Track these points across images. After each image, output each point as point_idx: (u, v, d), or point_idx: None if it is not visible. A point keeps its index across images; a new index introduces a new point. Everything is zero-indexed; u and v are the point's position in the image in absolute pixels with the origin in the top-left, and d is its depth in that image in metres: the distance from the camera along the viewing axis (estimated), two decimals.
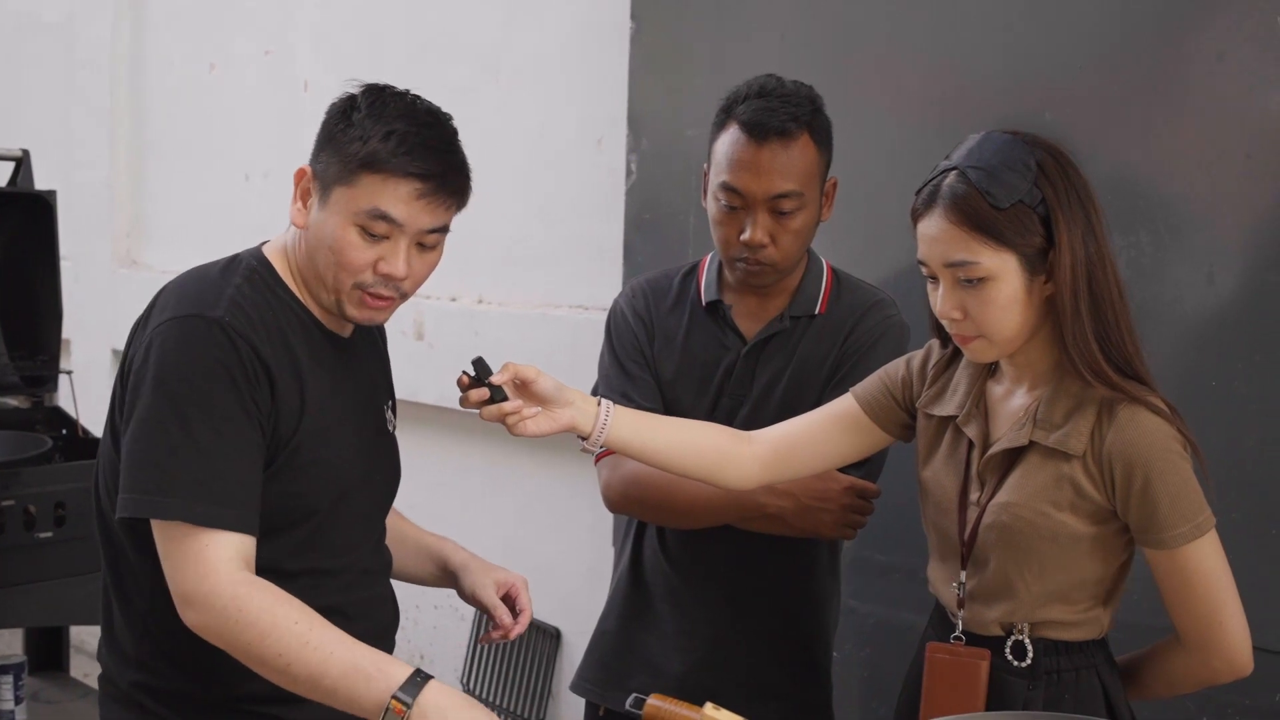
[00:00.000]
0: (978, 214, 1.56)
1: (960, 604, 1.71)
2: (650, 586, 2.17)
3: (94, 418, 3.68)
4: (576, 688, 2.26)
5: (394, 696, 1.49)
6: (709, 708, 1.45)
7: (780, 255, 2.00)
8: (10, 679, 2.87)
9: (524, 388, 1.72)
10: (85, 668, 3.98)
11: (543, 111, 3.33)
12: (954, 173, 1.59)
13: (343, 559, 1.74)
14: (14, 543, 2.72)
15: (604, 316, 3.18)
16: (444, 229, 1.68)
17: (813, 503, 1.97)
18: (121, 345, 5.01)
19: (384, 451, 1.85)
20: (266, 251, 1.75)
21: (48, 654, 3.32)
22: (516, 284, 3.40)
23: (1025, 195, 1.56)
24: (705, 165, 2.08)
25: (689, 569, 2.12)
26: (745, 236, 1.98)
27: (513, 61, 3.43)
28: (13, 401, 3.35)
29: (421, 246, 1.67)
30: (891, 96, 2.55)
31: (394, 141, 1.60)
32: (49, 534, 2.78)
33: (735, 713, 1.61)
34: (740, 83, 2.03)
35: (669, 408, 2.09)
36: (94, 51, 4.84)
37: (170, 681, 1.69)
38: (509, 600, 1.92)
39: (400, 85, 1.62)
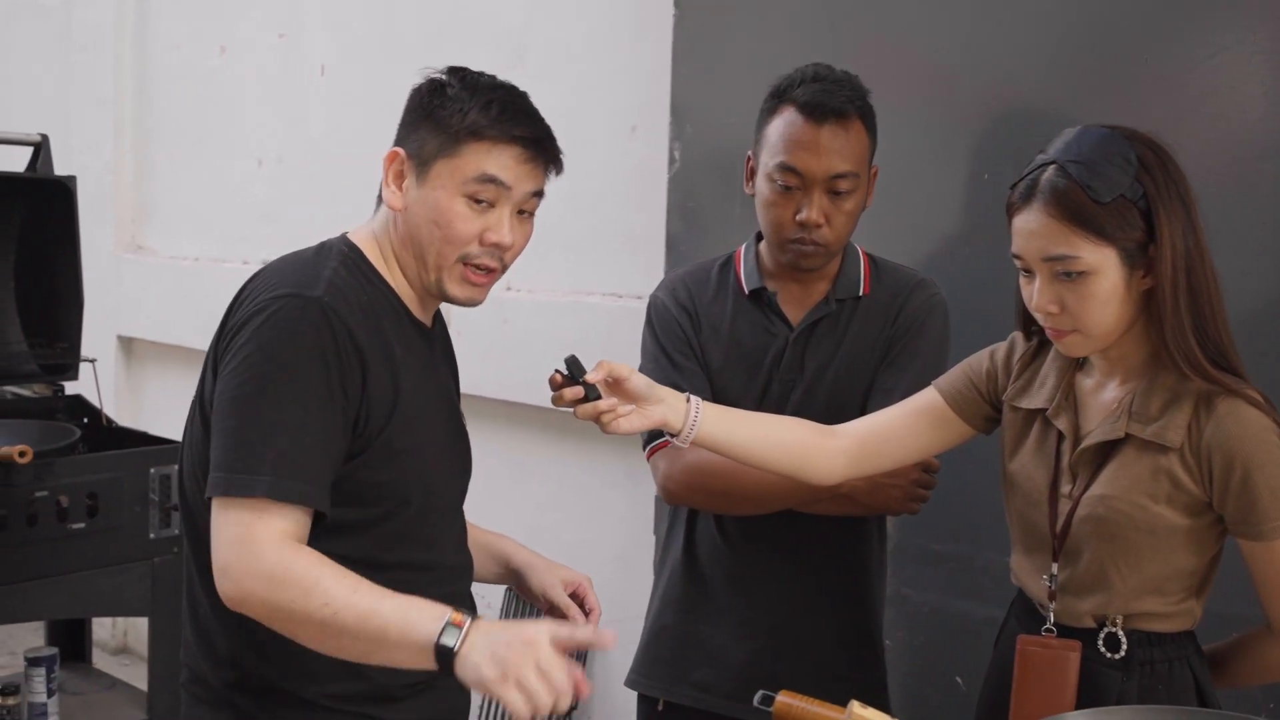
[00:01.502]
0: (1079, 208, 1.56)
1: (1051, 596, 1.72)
2: (708, 578, 2.18)
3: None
4: (634, 684, 2.26)
5: (454, 610, 1.45)
6: (855, 706, 1.43)
7: (834, 236, 2.03)
8: (43, 671, 2.85)
9: (616, 385, 1.72)
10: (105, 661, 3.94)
11: (572, 99, 3.30)
12: (1053, 167, 1.59)
13: (432, 554, 1.73)
14: (46, 534, 2.70)
15: (638, 304, 3.21)
16: (541, 194, 1.72)
17: (883, 479, 1.99)
18: (125, 331, 4.97)
19: (461, 446, 1.86)
20: (354, 238, 1.75)
21: (70, 645, 3.29)
22: (546, 271, 3.37)
23: (1127, 189, 1.56)
24: (750, 151, 2.11)
25: (752, 556, 2.13)
26: (802, 216, 2.01)
27: (538, 48, 3.40)
28: (20, 390, 3.29)
29: (521, 214, 1.71)
30: (940, 86, 2.55)
31: (495, 109, 1.65)
32: (81, 525, 2.75)
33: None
34: (786, 71, 2.06)
35: (718, 397, 2.09)
36: (94, 35, 4.76)
37: (263, 678, 1.67)
38: (576, 599, 1.93)
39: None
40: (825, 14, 2.68)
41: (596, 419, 1.71)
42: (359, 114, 3.96)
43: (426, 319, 1.78)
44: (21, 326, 3.29)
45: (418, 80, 1.72)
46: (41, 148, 3.22)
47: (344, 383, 1.59)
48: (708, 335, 2.15)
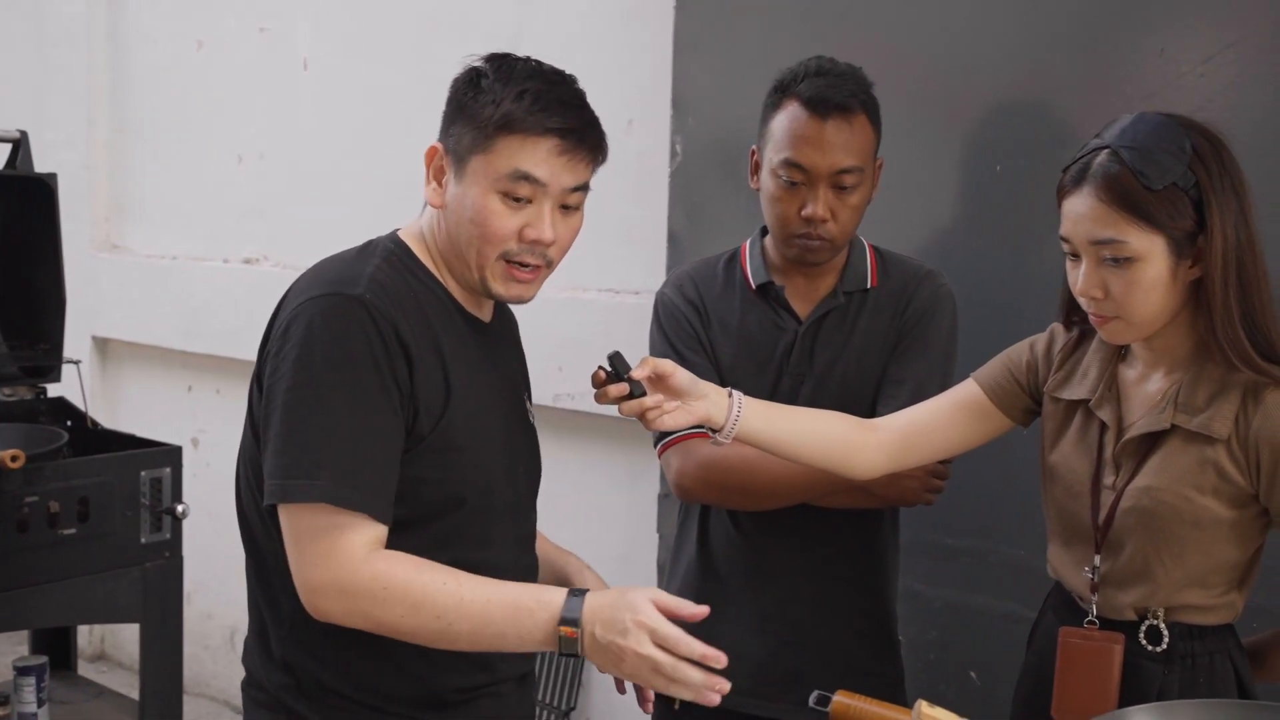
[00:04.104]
0: (1129, 194, 1.55)
1: (1093, 589, 1.70)
2: (724, 575, 2.17)
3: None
4: None
5: (561, 622, 1.48)
6: (924, 705, 1.40)
7: (839, 231, 2.03)
8: (32, 681, 2.78)
9: (660, 381, 1.70)
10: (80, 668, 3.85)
11: None
12: (1106, 151, 1.58)
13: (488, 554, 1.68)
14: (38, 541, 2.63)
15: (636, 300, 3.18)
16: (585, 187, 1.64)
17: (898, 470, 1.96)
18: (101, 332, 4.86)
19: (526, 443, 1.81)
20: (402, 235, 1.71)
21: (55, 653, 3.21)
22: None
23: (1179, 178, 1.54)
24: (754, 146, 2.11)
25: (769, 551, 2.12)
26: (807, 212, 2.00)
27: (532, 41, 3.34)
28: None
29: (565, 209, 1.63)
30: (949, 78, 2.53)
31: (528, 100, 1.57)
32: (72, 530, 2.69)
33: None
34: (791, 63, 2.05)
35: None
36: (68, 28, 4.67)
37: (316, 681, 1.64)
38: None
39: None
40: (832, 4, 2.65)
41: (641, 415, 1.68)
42: (344, 109, 3.90)
43: (482, 314, 1.73)
44: (1, 328, 3.22)
45: (458, 70, 1.65)
46: (21, 144, 3.15)
47: (396, 380, 1.56)
48: (717, 331, 2.13)
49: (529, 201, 1.60)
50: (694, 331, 2.13)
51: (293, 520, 1.54)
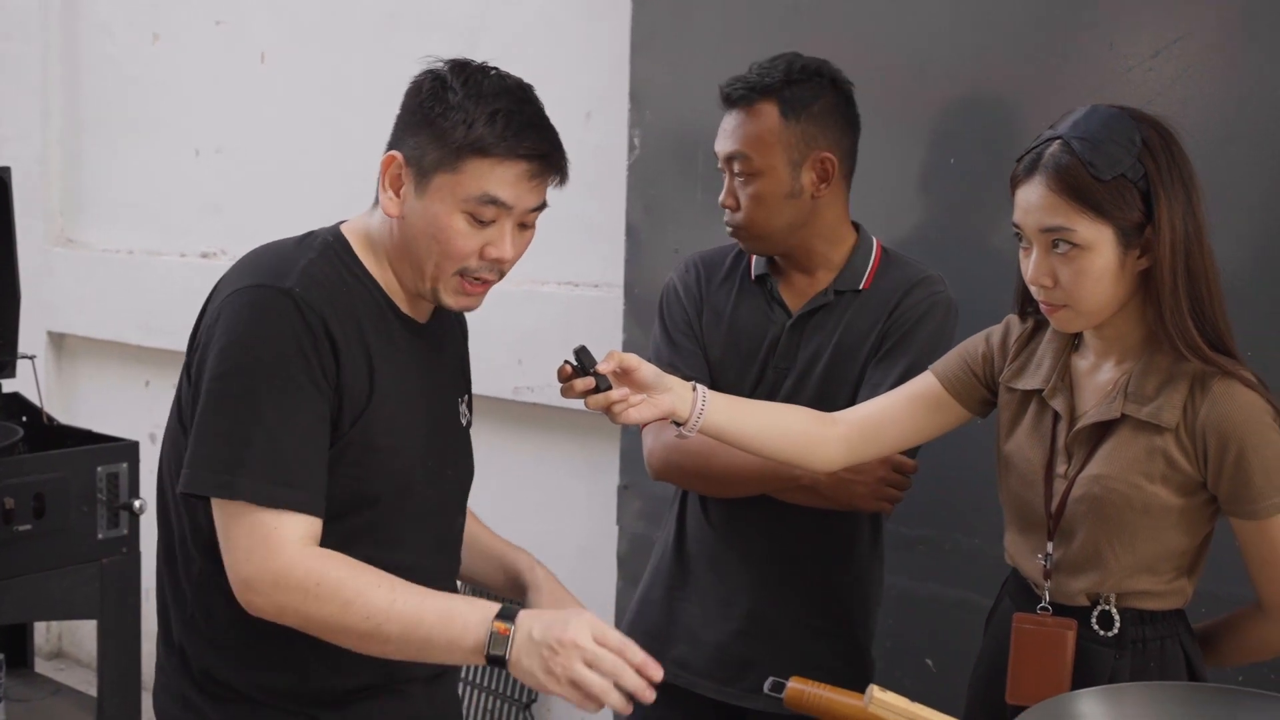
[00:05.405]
0: (1079, 184, 1.57)
1: (1046, 575, 1.72)
2: (692, 557, 2.20)
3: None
4: None
5: (495, 618, 1.48)
6: (875, 690, 1.42)
7: (745, 219, 2.06)
8: None
9: (625, 375, 1.71)
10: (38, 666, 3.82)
11: None
12: (1058, 142, 1.60)
13: (396, 555, 1.67)
14: None
15: (595, 293, 3.20)
16: (544, 206, 1.65)
17: (848, 475, 1.98)
18: (57, 327, 4.81)
19: (455, 446, 1.80)
20: (345, 230, 1.70)
21: (12, 651, 3.19)
22: None
23: (1128, 169, 1.57)
24: None
25: (731, 539, 2.15)
26: (719, 197, 2.07)
27: (491, 34, 3.35)
28: None
29: (521, 226, 1.64)
30: (904, 72, 2.55)
31: (500, 123, 1.55)
32: (28, 526, 2.67)
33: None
34: (748, 56, 2.10)
35: (715, 380, 2.11)
36: (20, 21, 4.62)
37: (206, 670, 1.65)
38: None
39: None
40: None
41: (607, 409, 1.69)
42: (302, 102, 3.88)
43: (419, 315, 1.72)
44: None
45: (417, 72, 1.63)
46: None
47: (324, 374, 1.56)
48: (709, 319, 2.16)
49: (493, 221, 1.59)
50: (687, 318, 2.17)
51: (225, 516, 1.54)
